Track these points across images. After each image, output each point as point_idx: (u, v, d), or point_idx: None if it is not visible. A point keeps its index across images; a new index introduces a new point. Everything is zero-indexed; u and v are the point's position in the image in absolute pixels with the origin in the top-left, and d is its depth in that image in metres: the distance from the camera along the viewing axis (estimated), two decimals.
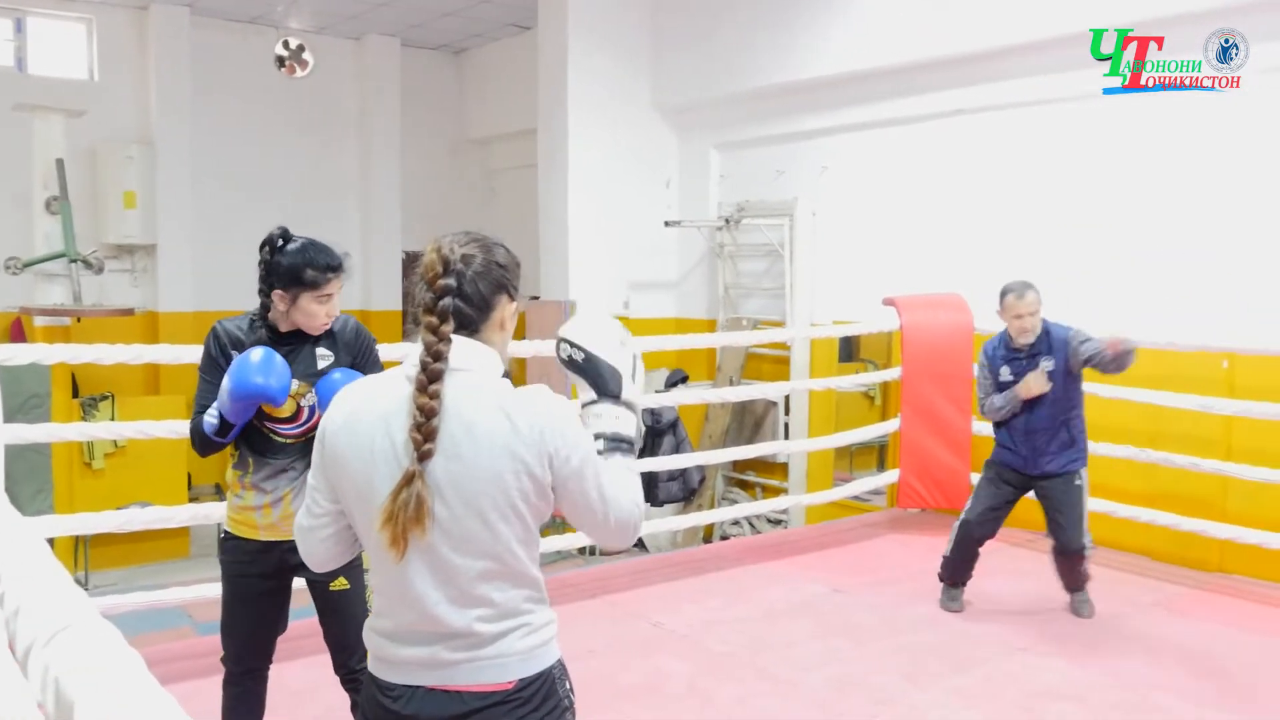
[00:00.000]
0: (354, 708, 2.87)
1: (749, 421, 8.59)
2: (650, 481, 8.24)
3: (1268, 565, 5.43)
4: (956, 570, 5.03)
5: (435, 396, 1.71)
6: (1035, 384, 4.65)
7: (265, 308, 2.86)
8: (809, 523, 7.54)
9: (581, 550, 7.78)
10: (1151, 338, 5.55)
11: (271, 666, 3.04)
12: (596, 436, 1.84)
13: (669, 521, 6.42)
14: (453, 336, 1.75)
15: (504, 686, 1.75)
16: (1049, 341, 4.72)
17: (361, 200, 11.36)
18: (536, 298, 9.08)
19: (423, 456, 1.69)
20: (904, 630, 4.80)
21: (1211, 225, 5.76)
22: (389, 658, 1.80)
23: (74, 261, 7.62)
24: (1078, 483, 4.77)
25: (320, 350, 2.89)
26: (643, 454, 8.45)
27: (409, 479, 1.69)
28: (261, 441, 2.86)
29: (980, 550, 5.00)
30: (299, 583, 2.94)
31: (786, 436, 8.10)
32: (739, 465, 8.60)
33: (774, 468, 8.31)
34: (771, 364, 8.43)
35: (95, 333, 8.26)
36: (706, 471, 8.36)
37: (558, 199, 8.84)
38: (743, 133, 8.64)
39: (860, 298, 7.36)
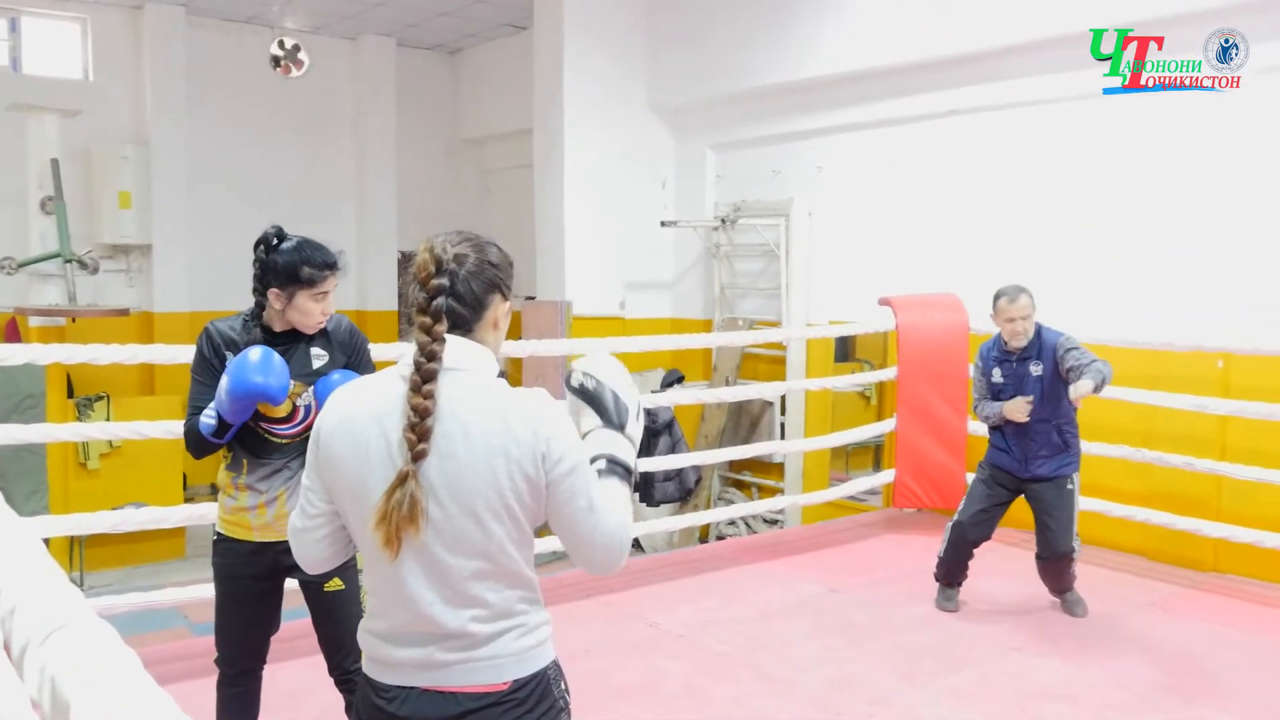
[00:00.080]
0: (348, 709, 2.87)
1: (745, 421, 8.59)
2: (646, 481, 8.25)
3: (1262, 564, 5.44)
4: (951, 571, 5.04)
5: (429, 396, 1.70)
6: (1016, 411, 4.69)
7: (260, 306, 2.86)
8: (805, 523, 7.54)
9: None
10: (1147, 338, 5.58)
11: (267, 667, 3.04)
12: (597, 456, 1.85)
13: (665, 521, 6.42)
14: (447, 336, 1.75)
15: (499, 687, 1.75)
16: (1040, 346, 4.74)
17: (357, 200, 11.36)
18: (532, 298, 9.08)
19: (417, 456, 1.69)
20: (900, 630, 4.81)
21: (1208, 225, 5.77)
22: (383, 659, 1.80)
23: (69, 262, 7.60)
24: (1069, 487, 4.78)
25: (315, 350, 2.89)
26: (639, 454, 8.45)
27: (403, 479, 1.69)
28: (256, 442, 2.86)
29: (975, 551, 5.00)
30: (292, 583, 2.94)
31: (783, 436, 8.10)
32: (735, 465, 8.60)
33: (770, 468, 8.31)
34: (767, 364, 8.43)
35: (90, 333, 8.24)
36: (702, 471, 8.36)
37: (553, 199, 8.84)
38: (738, 133, 8.64)
39: (856, 298, 7.36)
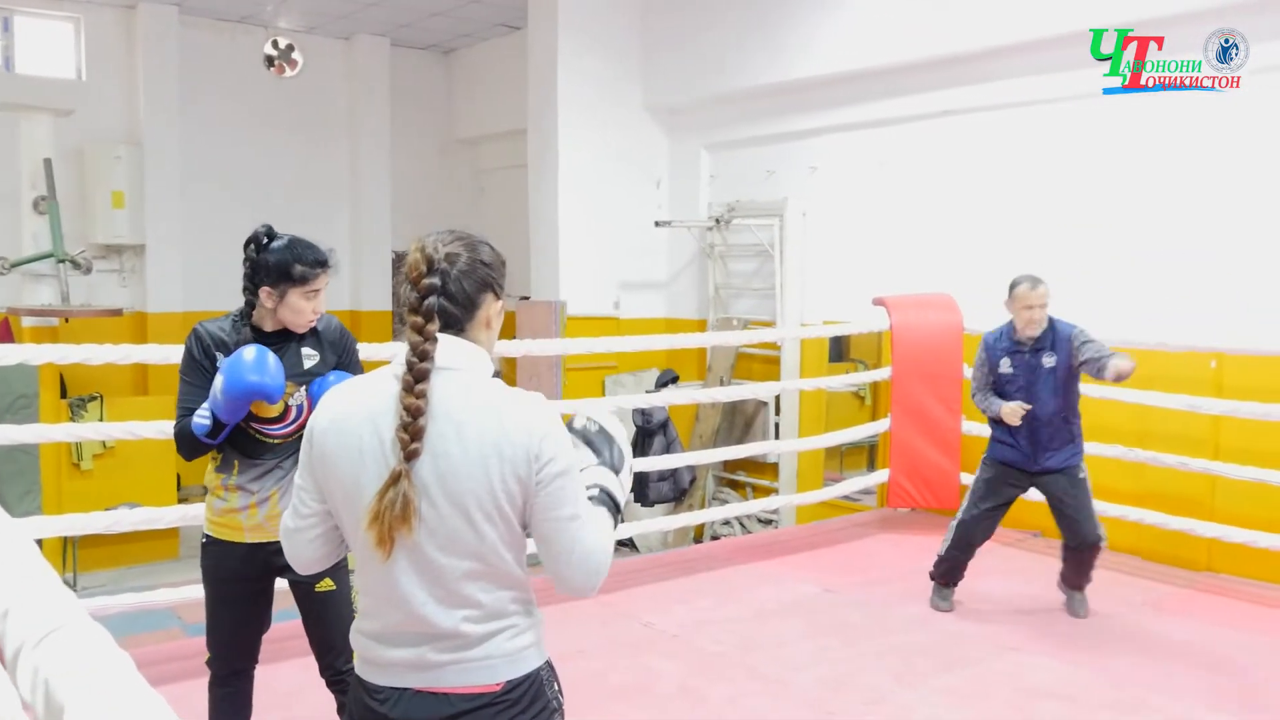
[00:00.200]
0: (340, 709, 2.87)
1: (739, 421, 8.59)
2: (641, 481, 8.25)
3: (1255, 564, 5.46)
4: (951, 570, 5.04)
5: (422, 396, 1.70)
6: (1012, 415, 4.68)
7: (250, 305, 2.85)
8: (799, 522, 7.55)
9: None
10: (1140, 338, 5.58)
11: (260, 668, 3.04)
12: (590, 485, 1.85)
13: (659, 521, 6.43)
14: (440, 336, 1.75)
15: (491, 688, 1.75)
16: (1053, 337, 4.73)
17: (351, 200, 11.34)
18: (527, 298, 9.08)
19: (409, 456, 1.69)
20: (894, 630, 4.82)
21: (1204, 226, 5.78)
22: (375, 659, 1.80)
23: (62, 262, 7.58)
24: (1081, 476, 4.79)
25: (306, 350, 2.89)
26: (633, 454, 8.45)
27: (395, 478, 1.69)
28: (248, 442, 2.85)
29: (976, 550, 5.01)
30: (281, 583, 2.93)
31: (777, 436, 8.11)
32: (729, 465, 8.60)
33: (764, 468, 8.32)
34: (762, 364, 8.44)
35: (83, 333, 8.23)
36: (697, 471, 8.36)
37: (548, 199, 8.84)
38: (733, 133, 8.64)
39: (850, 298, 7.37)
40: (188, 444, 2.82)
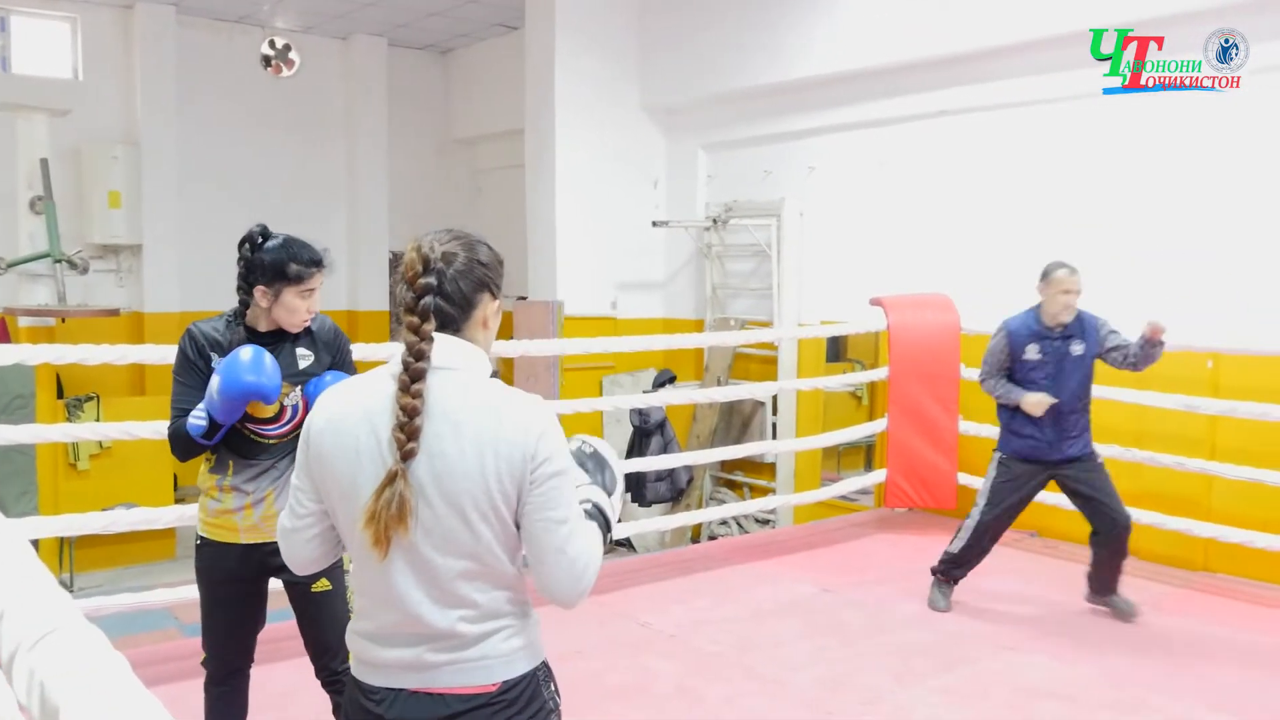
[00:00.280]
0: (336, 710, 2.87)
1: (736, 421, 8.60)
2: (638, 482, 8.24)
3: (1252, 564, 5.46)
4: (960, 569, 5.02)
5: (418, 396, 1.70)
6: (1038, 406, 4.65)
7: (244, 305, 2.85)
8: (797, 522, 7.55)
9: None
10: (1138, 337, 5.58)
11: (256, 668, 3.04)
12: (584, 500, 1.86)
13: (657, 521, 6.43)
14: (436, 335, 1.74)
15: (488, 689, 1.75)
16: (1081, 325, 4.75)
17: (348, 200, 11.33)
18: (524, 298, 9.07)
19: (406, 455, 1.69)
20: (892, 629, 4.82)
21: (1202, 226, 5.79)
22: (371, 660, 1.80)
23: (59, 262, 7.59)
24: (1099, 460, 4.81)
25: (300, 350, 2.88)
26: (631, 454, 8.47)
27: (391, 478, 1.69)
28: (243, 443, 2.84)
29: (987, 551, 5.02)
30: (276, 583, 2.93)
31: (774, 436, 8.11)
32: (727, 465, 8.60)
33: (762, 468, 8.32)
34: (759, 364, 8.44)
35: (80, 333, 8.23)
36: (694, 471, 8.36)
37: (545, 199, 8.83)
38: (730, 133, 8.65)
39: (847, 298, 7.38)
40: (183, 445, 2.81)
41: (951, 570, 5.06)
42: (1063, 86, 6.25)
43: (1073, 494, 4.84)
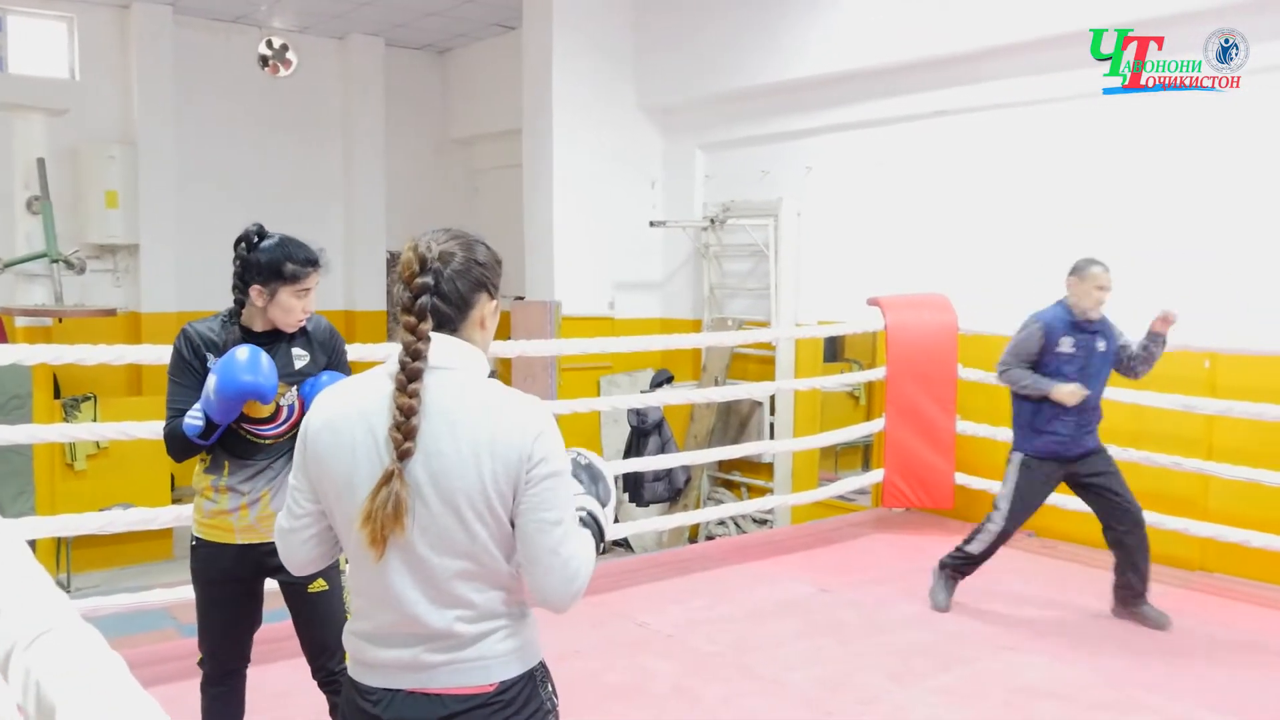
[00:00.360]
0: (333, 710, 2.87)
1: (734, 421, 8.60)
2: (636, 482, 8.25)
3: (1249, 564, 5.47)
4: (973, 569, 5.00)
5: (415, 395, 1.70)
6: (1072, 396, 4.64)
7: (239, 304, 2.84)
8: (794, 522, 7.55)
9: None
10: (1135, 337, 5.58)
11: (253, 669, 3.03)
12: (579, 508, 1.86)
13: (654, 522, 6.42)
14: (433, 335, 1.74)
15: (485, 689, 1.75)
16: (1104, 322, 4.81)
17: (345, 200, 11.32)
18: (521, 298, 9.07)
19: (402, 455, 1.69)
20: (890, 629, 4.82)
21: (1200, 226, 5.79)
22: (368, 660, 1.80)
23: (55, 262, 7.58)
24: (1109, 454, 4.84)
25: (296, 350, 2.88)
26: (628, 454, 8.48)
27: (388, 477, 1.69)
28: (238, 443, 2.84)
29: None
30: (271, 583, 2.93)
31: (772, 436, 8.11)
32: (724, 465, 8.60)
33: (759, 468, 8.32)
34: (757, 364, 8.44)
35: (77, 333, 8.22)
36: (692, 472, 8.36)
37: (542, 199, 8.83)
38: (727, 133, 8.65)
39: (845, 298, 7.37)
40: (179, 445, 2.81)
41: (964, 568, 5.02)
42: (1063, 86, 6.25)
43: (1088, 489, 4.81)
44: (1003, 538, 4.89)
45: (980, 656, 4.49)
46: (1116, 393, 5.54)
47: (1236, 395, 5.40)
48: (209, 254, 9.45)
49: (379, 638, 1.78)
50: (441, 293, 1.76)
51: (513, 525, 1.75)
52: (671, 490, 8.32)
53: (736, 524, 8.20)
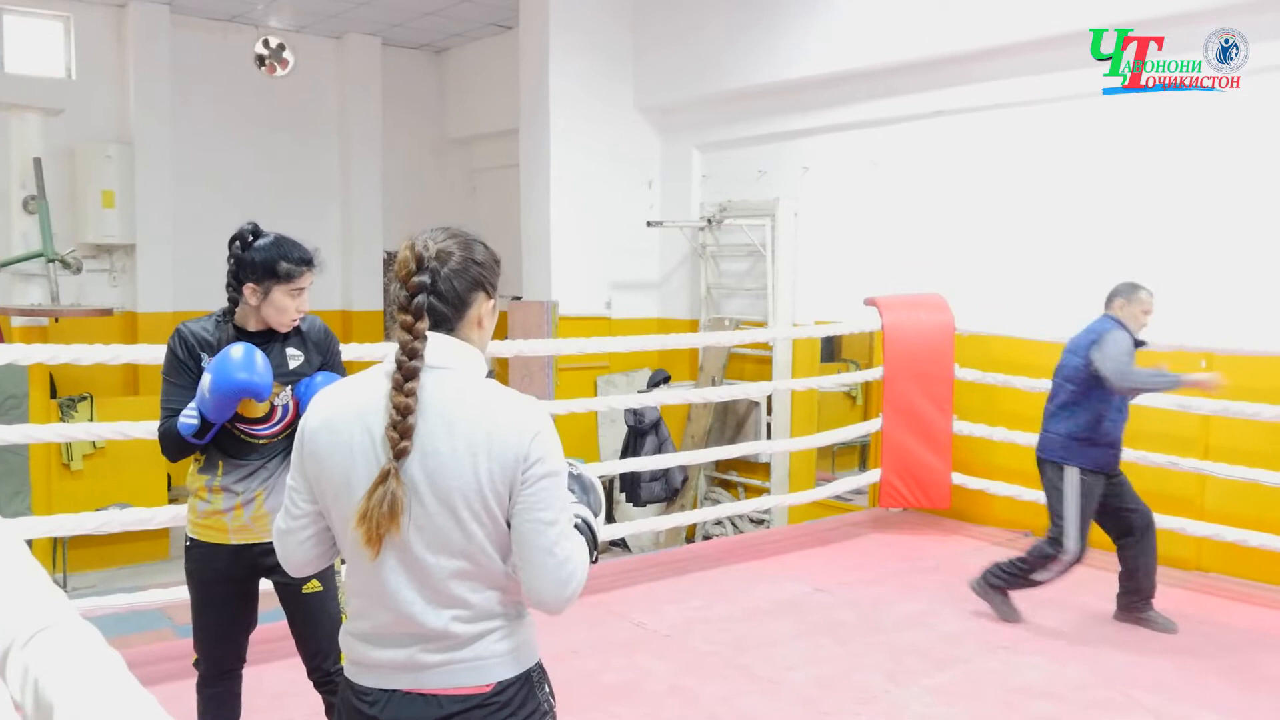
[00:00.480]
0: (329, 710, 2.86)
1: (731, 421, 8.60)
2: (633, 482, 8.25)
3: (1245, 563, 5.48)
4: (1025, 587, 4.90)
5: (411, 394, 1.70)
6: (1214, 384, 4.56)
7: (233, 303, 2.84)
8: (791, 522, 7.55)
9: None
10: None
11: (249, 669, 3.03)
12: (574, 515, 1.85)
13: (651, 521, 6.42)
14: (430, 334, 1.74)
15: (482, 689, 1.74)
16: None
17: (342, 200, 11.32)
18: (519, 298, 9.07)
19: (399, 454, 1.69)
20: (886, 629, 4.82)
21: (1198, 226, 5.80)
22: (364, 660, 1.79)
23: (52, 261, 7.54)
24: None
25: (290, 350, 2.87)
26: (625, 454, 8.47)
27: (384, 476, 1.68)
28: (232, 443, 2.83)
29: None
30: (266, 584, 2.92)
31: (769, 436, 8.11)
32: (721, 465, 8.61)
33: (756, 468, 8.32)
34: (754, 364, 8.44)
35: (73, 333, 8.19)
36: (689, 472, 8.36)
37: (539, 199, 8.83)
38: (725, 133, 8.65)
39: (842, 298, 7.38)
40: (173, 445, 2.80)
41: (1019, 589, 4.88)
42: (1063, 86, 6.25)
43: (1112, 498, 4.75)
44: (1074, 564, 4.73)
45: (976, 656, 4.50)
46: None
47: (1233, 395, 5.39)
48: (205, 254, 9.38)
49: (375, 638, 1.78)
50: (438, 292, 1.75)
51: (509, 525, 1.75)
52: (669, 490, 8.32)
53: (733, 524, 8.21)
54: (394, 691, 1.76)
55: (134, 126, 9.82)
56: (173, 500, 8.35)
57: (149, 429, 4.28)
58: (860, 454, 8.14)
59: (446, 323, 1.77)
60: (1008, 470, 6.34)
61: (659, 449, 8.24)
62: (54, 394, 8.25)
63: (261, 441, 2.84)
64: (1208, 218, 5.77)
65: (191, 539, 2.90)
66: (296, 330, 2.89)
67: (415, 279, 1.73)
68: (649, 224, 8.86)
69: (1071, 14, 5.94)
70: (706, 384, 8.38)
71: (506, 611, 1.78)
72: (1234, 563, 5.55)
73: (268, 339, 2.84)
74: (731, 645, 4.60)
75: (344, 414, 1.77)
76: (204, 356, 2.79)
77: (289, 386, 2.84)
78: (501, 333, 8.31)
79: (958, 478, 6.47)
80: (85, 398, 8.24)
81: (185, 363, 2.81)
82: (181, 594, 4.24)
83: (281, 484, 2.74)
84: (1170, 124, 5.87)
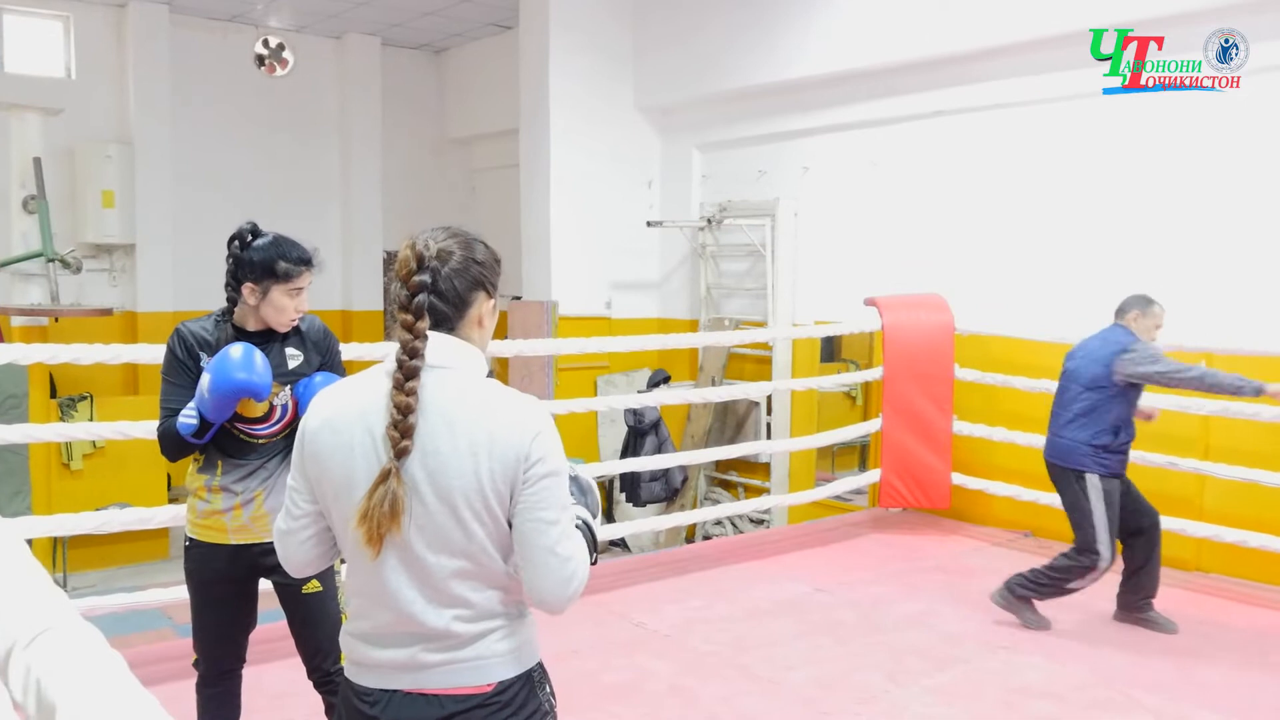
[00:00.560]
0: (329, 710, 2.86)
1: (731, 421, 8.60)
2: (633, 481, 8.25)
3: (1245, 563, 5.48)
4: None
5: (412, 394, 1.70)
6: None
7: (232, 303, 2.84)
8: (791, 522, 7.55)
9: None
10: None
11: (248, 669, 3.03)
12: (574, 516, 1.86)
13: (651, 521, 6.42)
14: (431, 334, 1.74)
15: (483, 689, 1.74)
16: None
17: (342, 200, 11.32)
18: (519, 298, 9.07)
19: (400, 453, 1.69)
20: (886, 629, 4.82)
21: (1198, 226, 5.80)
22: (365, 661, 1.79)
23: (51, 261, 7.53)
24: None
25: (289, 350, 2.87)
26: (625, 454, 8.47)
27: (385, 475, 1.69)
28: (231, 443, 2.83)
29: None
30: (265, 585, 2.92)
31: (769, 436, 8.11)
32: (721, 465, 8.61)
33: (756, 468, 8.32)
34: (754, 364, 8.44)
35: (73, 333, 8.18)
36: (689, 471, 8.37)
37: (539, 199, 8.83)
38: (725, 133, 8.65)
39: (842, 298, 7.38)
40: (173, 444, 2.80)
41: (1052, 598, 4.84)
42: (1063, 86, 6.26)
43: (1124, 499, 4.74)
44: (1107, 570, 4.72)
45: (976, 656, 4.50)
46: None
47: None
48: (205, 253, 9.38)
49: (376, 638, 1.78)
50: (439, 291, 1.75)
51: (510, 525, 1.75)
52: (668, 490, 8.32)
53: (733, 524, 8.21)
54: (395, 692, 1.75)
55: (134, 126, 9.82)
56: (173, 500, 8.35)
57: (149, 429, 4.27)
58: (860, 454, 8.14)
59: (447, 322, 1.77)
60: (1008, 470, 6.35)
61: (659, 449, 8.24)
62: (54, 394, 8.25)
63: (261, 441, 2.84)
64: (1207, 218, 5.78)
65: (191, 539, 2.90)
66: (296, 330, 2.89)
67: (416, 278, 1.73)
68: (649, 224, 8.86)
69: (1071, 14, 5.94)
70: (706, 384, 8.38)
71: (508, 611, 1.78)
72: (1234, 563, 5.55)
73: (267, 339, 2.84)
74: (731, 645, 4.60)
75: (345, 414, 1.77)
76: (203, 356, 2.79)
77: (288, 386, 2.84)
78: (501, 332, 8.31)
79: (958, 478, 6.47)
80: (85, 397, 8.24)
81: (184, 362, 2.81)
82: (181, 594, 4.24)
83: (281, 484, 2.75)
84: (1170, 124, 5.88)
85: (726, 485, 8.67)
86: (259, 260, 2.75)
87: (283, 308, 2.80)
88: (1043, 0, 6.19)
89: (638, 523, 6.46)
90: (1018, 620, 4.83)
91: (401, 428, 1.68)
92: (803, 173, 7.98)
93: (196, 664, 2.95)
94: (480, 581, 1.75)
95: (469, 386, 1.75)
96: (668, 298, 9.26)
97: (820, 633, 4.76)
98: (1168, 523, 5.47)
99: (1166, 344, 5.49)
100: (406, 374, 1.70)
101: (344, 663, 1.86)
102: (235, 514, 2.83)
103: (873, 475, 6.78)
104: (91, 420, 7.87)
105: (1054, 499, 5.16)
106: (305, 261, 2.81)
